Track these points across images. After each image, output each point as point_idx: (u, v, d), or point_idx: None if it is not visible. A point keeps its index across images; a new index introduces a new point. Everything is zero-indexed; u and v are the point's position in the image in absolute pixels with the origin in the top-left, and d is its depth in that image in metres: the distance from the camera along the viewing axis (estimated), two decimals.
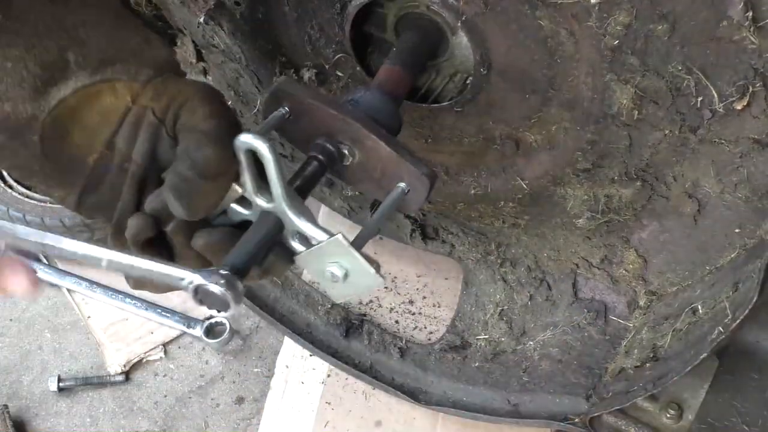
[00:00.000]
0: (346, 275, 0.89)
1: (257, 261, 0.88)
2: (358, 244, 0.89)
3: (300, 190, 0.94)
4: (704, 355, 1.15)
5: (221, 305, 0.81)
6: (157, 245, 0.88)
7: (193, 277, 0.79)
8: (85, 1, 0.83)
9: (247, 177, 0.88)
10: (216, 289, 0.79)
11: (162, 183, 0.85)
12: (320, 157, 0.98)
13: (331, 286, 0.92)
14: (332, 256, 0.88)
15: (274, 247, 0.91)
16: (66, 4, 0.81)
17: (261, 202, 0.90)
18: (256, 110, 1.64)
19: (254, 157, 0.87)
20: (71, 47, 0.81)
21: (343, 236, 0.86)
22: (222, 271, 0.81)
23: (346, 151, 0.99)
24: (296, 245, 0.92)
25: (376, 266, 0.88)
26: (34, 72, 0.79)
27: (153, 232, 0.87)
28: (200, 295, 0.81)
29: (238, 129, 0.87)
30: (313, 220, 0.90)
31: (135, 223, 0.86)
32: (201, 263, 0.89)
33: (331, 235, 0.87)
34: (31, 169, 0.85)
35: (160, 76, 0.85)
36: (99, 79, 0.81)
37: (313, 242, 0.89)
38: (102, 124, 0.84)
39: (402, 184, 1.00)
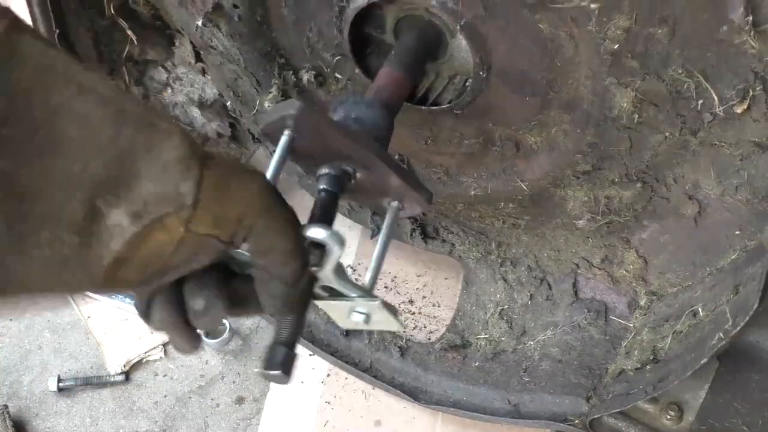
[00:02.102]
0: (367, 320, 0.94)
1: (301, 330, 0.92)
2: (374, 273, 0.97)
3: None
4: (704, 360, 1.15)
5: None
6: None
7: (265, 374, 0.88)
8: (84, 117, 0.65)
9: None
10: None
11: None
12: (329, 188, 0.99)
13: (348, 324, 0.97)
14: (359, 307, 0.94)
15: None
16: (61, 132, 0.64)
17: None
18: (255, 111, 1.63)
19: None
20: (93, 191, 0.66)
21: (382, 302, 0.92)
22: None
23: (351, 171, 1.00)
24: (319, 291, 0.94)
25: (397, 313, 0.95)
26: (71, 243, 0.66)
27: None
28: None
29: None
30: (349, 280, 0.93)
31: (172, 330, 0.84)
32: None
33: (369, 295, 0.93)
34: None
35: (195, 179, 0.72)
36: (146, 224, 0.69)
37: (345, 293, 0.93)
38: (155, 257, 0.74)
39: (395, 203, 1.04)
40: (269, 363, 0.87)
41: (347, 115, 1.09)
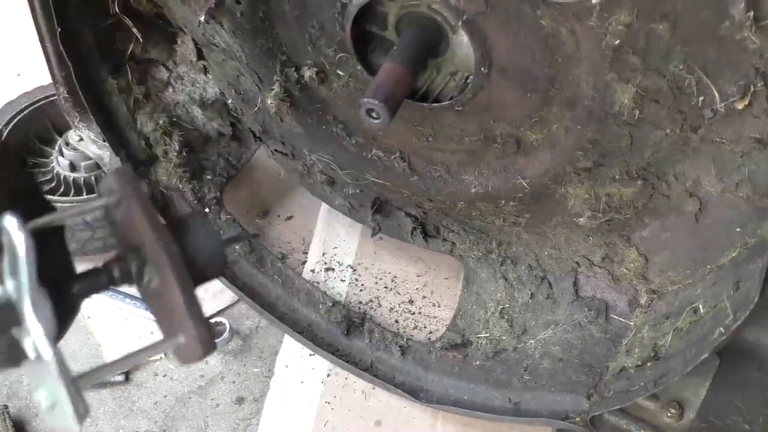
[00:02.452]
0: (52, 406, 0.73)
1: None
2: (88, 374, 0.75)
3: (74, 296, 0.84)
4: (705, 355, 1.15)
5: None
6: None
7: None
8: None
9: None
10: None
11: None
12: (114, 273, 0.87)
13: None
14: (47, 379, 0.72)
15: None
16: None
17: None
18: (256, 109, 1.63)
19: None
20: None
21: (60, 361, 0.71)
22: None
23: (146, 276, 0.85)
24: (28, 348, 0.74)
25: (83, 409, 0.73)
26: None
27: None
28: None
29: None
30: (50, 331, 0.72)
31: None
32: None
33: (55, 354, 0.71)
34: None
35: None
36: None
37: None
38: None
39: (181, 338, 0.82)
40: None
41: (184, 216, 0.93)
